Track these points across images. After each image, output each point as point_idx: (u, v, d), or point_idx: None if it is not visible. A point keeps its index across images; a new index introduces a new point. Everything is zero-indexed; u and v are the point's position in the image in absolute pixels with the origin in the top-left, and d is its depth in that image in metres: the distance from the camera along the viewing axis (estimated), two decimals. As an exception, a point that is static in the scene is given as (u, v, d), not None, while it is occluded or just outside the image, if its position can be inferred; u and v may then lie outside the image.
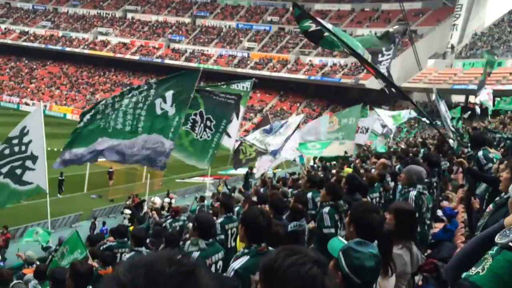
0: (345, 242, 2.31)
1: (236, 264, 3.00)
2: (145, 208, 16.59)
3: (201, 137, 8.30)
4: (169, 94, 7.33)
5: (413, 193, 4.73)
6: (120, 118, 7.25)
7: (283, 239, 3.48)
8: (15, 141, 8.07)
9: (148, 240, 7.46)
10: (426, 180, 5.03)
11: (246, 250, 3.10)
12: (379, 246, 2.68)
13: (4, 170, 7.84)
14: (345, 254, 2.18)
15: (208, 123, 8.34)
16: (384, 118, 20.85)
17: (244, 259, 3.01)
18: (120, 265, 0.98)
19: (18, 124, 8.60)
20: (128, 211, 12.48)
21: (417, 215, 4.47)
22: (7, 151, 8.02)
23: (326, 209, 4.65)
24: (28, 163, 8.04)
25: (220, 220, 5.49)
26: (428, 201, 5.00)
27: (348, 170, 9.87)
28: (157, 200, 15.15)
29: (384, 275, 2.80)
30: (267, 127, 12.86)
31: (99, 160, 7.96)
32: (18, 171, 7.95)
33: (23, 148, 8.02)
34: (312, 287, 1.39)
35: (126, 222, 10.41)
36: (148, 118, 7.32)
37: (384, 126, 21.00)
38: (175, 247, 6.47)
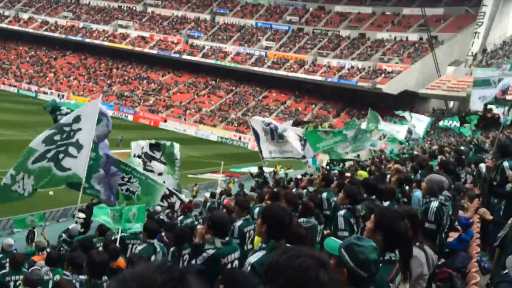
0: (339, 241, 2.32)
1: (253, 258, 3.04)
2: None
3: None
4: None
5: (434, 204, 4.47)
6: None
7: (303, 239, 3.47)
8: (66, 128, 8.08)
9: (164, 234, 7.51)
10: (446, 192, 4.88)
11: (263, 245, 3.14)
12: (401, 253, 2.66)
13: (50, 154, 7.89)
14: (348, 249, 2.20)
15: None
16: (417, 123, 21.13)
17: (261, 253, 3.03)
18: (112, 281, 1.05)
19: (70, 112, 8.56)
20: (82, 215, 10.61)
21: (435, 226, 4.39)
22: (57, 137, 8.03)
23: (342, 212, 4.61)
24: (71, 149, 8.02)
25: (239, 223, 5.32)
26: (449, 209, 4.89)
27: (362, 173, 9.78)
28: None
29: (405, 280, 2.79)
30: (267, 136, 12.07)
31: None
32: (60, 156, 8.00)
33: (71, 134, 8.03)
34: (304, 278, 1.40)
35: (78, 227, 9.09)
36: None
37: (410, 132, 20.83)
38: (186, 243, 6.48)
